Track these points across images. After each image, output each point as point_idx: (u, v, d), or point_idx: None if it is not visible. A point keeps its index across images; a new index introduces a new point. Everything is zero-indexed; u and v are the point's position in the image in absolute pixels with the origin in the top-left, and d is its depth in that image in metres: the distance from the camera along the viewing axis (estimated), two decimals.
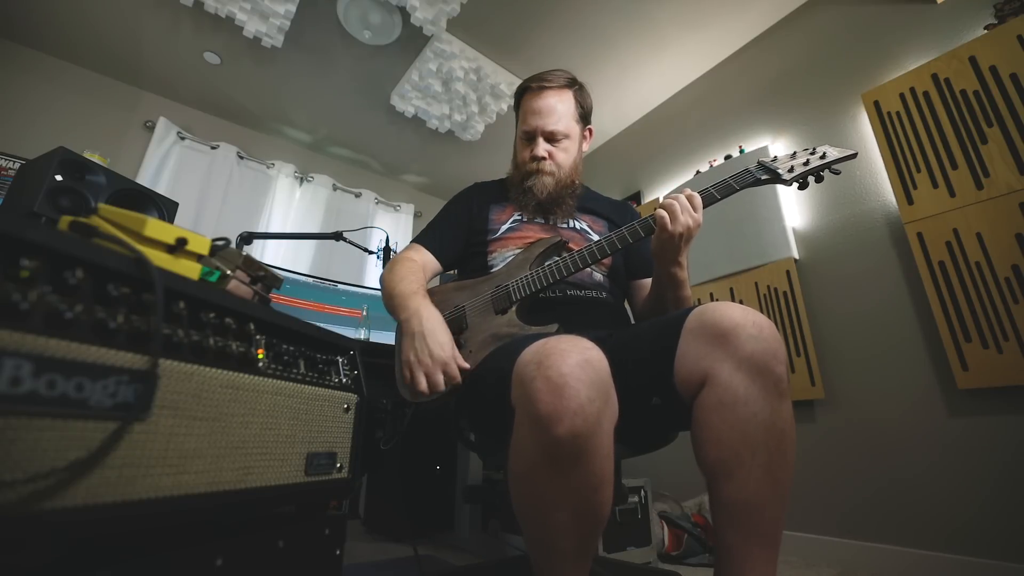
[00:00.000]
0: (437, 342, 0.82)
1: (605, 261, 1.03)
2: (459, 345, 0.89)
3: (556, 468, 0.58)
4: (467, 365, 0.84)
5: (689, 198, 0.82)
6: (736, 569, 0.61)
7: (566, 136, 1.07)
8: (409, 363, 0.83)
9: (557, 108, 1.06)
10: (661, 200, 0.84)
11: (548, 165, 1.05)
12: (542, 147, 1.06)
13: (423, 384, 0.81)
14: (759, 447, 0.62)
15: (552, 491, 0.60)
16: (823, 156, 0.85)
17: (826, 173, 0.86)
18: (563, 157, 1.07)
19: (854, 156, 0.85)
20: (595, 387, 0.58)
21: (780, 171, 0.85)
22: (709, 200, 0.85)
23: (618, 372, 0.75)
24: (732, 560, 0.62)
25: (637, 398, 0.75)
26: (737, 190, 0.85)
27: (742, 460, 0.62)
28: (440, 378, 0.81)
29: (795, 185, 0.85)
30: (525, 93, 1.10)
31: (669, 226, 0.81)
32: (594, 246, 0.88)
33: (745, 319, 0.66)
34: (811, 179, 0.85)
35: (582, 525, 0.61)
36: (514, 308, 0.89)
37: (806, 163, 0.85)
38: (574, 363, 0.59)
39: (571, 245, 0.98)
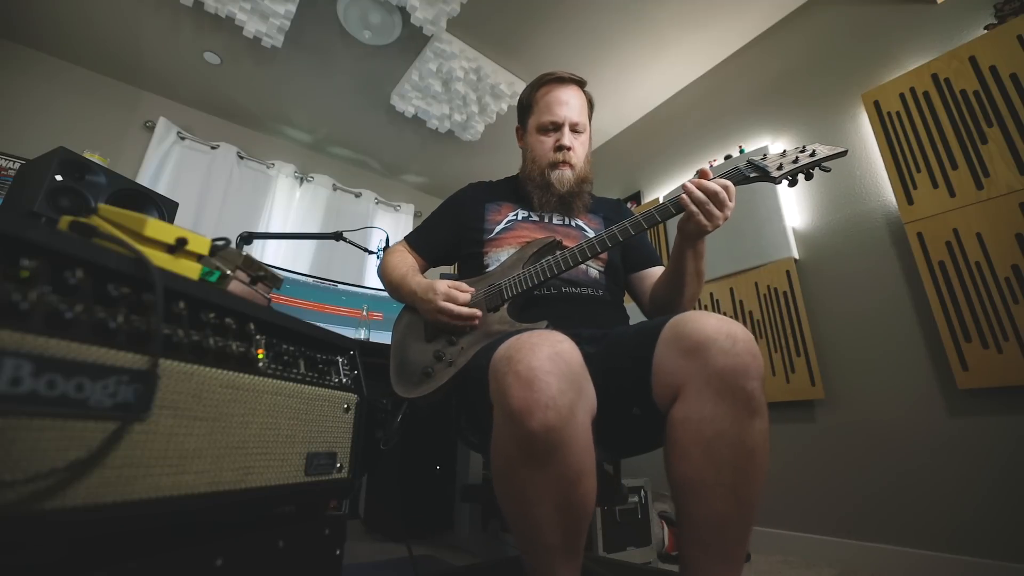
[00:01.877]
0: (433, 290, 0.93)
1: (602, 256, 1.02)
2: (451, 343, 0.90)
3: (533, 462, 0.58)
4: (468, 295, 0.91)
5: (726, 188, 0.80)
6: None
7: (584, 130, 1.09)
8: (436, 319, 0.92)
9: (578, 102, 1.08)
10: (689, 192, 0.81)
11: (572, 156, 1.05)
12: (568, 137, 1.05)
13: (459, 310, 0.88)
14: (725, 466, 0.60)
15: (531, 485, 0.60)
16: (813, 154, 0.84)
17: (817, 171, 0.86)
18: (581, 151, 1.08)
19: (844, 154, 0.85)
20: (566, 379, 0.59)
21: (769, 169, 0.84)
22: None
23: (604, 377, 0.75)
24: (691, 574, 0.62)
25: (618, 405, 0.75)
26: None
27: (706, 479, 0.61)
28: (454, 306, 0.89)
29: (785, 182, 0.85)
30: (545, 85, 1.10)
31: (704, 221, 0.80)
32: (584, 244, 0.88)
33: (718, 332, 0.63)
34: (801, 176, 0.85)
35: (566, 518, 0.60)
36: (505, 306, 0.90)
37: (795, 160, 0.84)
38: (544, 356, 0.59)
39: (566, 243, 0.98)
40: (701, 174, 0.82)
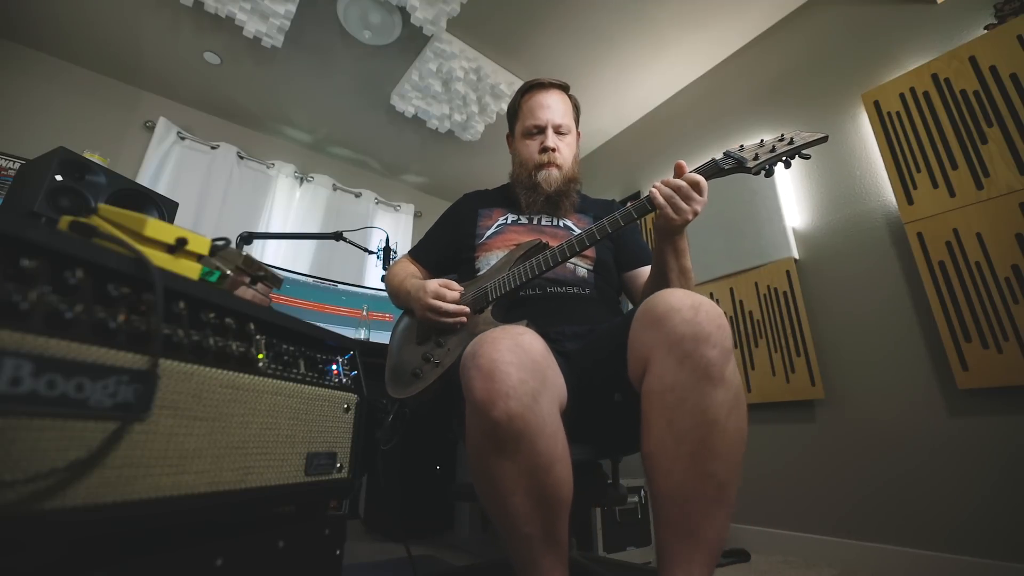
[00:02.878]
0: (423, 288, 0.96)
1: (589, 254, 1.04)
2: (439, 345, 0.92)
3: (501, 451, 0.59)
4: (457, 293, 0.94)
5: (694, 185, 0.80)
6: (663, 568, 0.59)
7: (568, 131, 1.12)
8: (425, 316, 0.94)
9: (561, 105, 1.12)
10: (657, 188, 0.82)
11: (558, 157, 1.08)
12: (552, 138, 1.09)
13: (446, 307, 0.91)
14: (685, 437, 0.59)
15: (502, 475, 0.60)
16: (790, 142, 0.83)
17: (821, 172, 0.85)
18: (567, 152, 1.11)
19: (824, 139, 0.83)
20: (526, 368, 0.60)
21: (745, 159, 0.83)
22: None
23: (590, 371, 0.77)
24: (660, 558, 0.60)
25: (601, 395, 0.76)
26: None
27: (667, 449, 0.60)
28: (442, 303, 0.92)
29: (761, 173, 0.84)
30: (528, 92, 1.14)
31: (673, 215, 0.80)
32: (564, 244, 0.89)
33: (682, 302, 0.64)
34: (780, 166, 0.84)
35: (541, 507, 0.61)
36: (490, 307, 0.91)
37: (772, 150, 0.83)
38: (504, 348, 0.61)
39: (553, 244, 0.98)
40: (677, 168, 0.82)
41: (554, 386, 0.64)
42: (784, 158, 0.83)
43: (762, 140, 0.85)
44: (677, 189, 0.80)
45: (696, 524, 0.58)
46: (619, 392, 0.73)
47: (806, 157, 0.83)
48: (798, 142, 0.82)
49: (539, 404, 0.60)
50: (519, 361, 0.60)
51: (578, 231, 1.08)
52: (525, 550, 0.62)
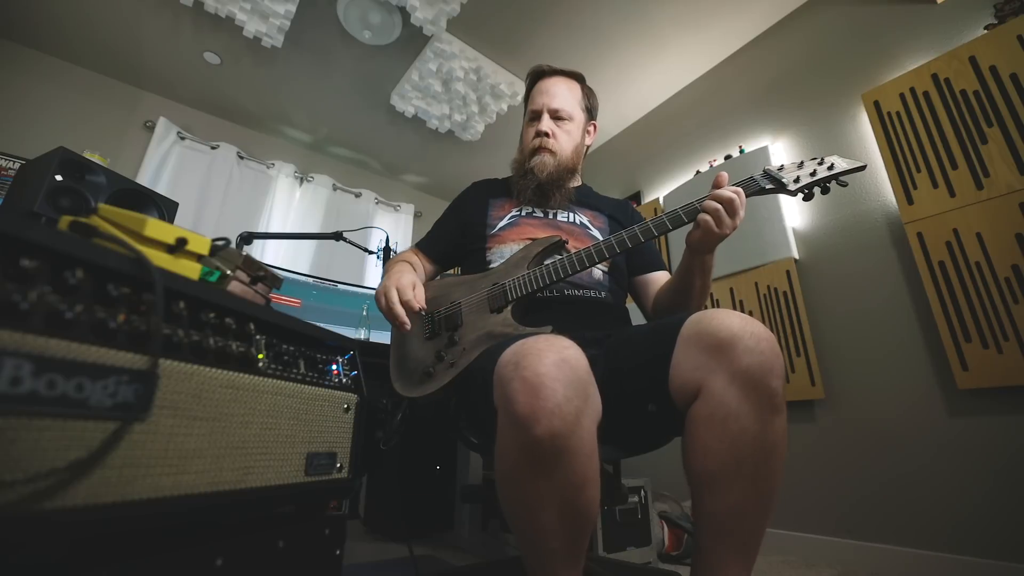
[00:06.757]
0: (398, 276, 0.92)
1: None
2: (453, 342, 0.89)
3: (537, 468, 0.58)
4: (421, 303, 0.88)
5: (738, 195, 0.78)
6: (709, 573, 0.62)
7: (570, 118, 1.09)
8: (377, 298, 0.91)
9: (565, 92, 1.10)
10: (708, 201, 0.80)
11: (551, 143, 1.06)
12: (546, 122, 1.07)
13: (396, 308, 0.86)
14: (746, 461, 0.62)
15: (535, 492, 0.59)
16: (831, 167, 0.81)
17: (833, 184, 0.83)
18: (565, 139, 1.08)
19: (863, 168, 0.82)
20: (572, 386, 0.58)
21: (786, 182, 0.82)
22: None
23: (614, 376, 0.75)
24: (706, 564, 0.63)
25: (633, 403, 0.75)
26: None
27: (727, 473, 0.62)
28: (395, 298, 0.87)
29: (800, 196, 0.82)
30: (537, 77, 1.13)
31: (716, 229, 0.78)
32: (592, 249, 0.87)
33: (743, 330, 0.64)
34: (816, 190, 0.82)
35: (569, 525, 0.60)
36: (509, 307, 0.89)
37: (813, 173, 0.82)
38: (551, 362, 0.58)
39: (572, 240, 0.97)
40: (718, 178, 0.80)
41: (594, 404, 0.63)
42: (823, 183, 0.81)
43: (801, 161, 0.85)
44: (729, 203, 0.77)
45: (751, 538, 0.63)
46: (654, 403, 0.73)
47: (843, 184, 0.82)
48: (838, 168, 0.81)
49: (581, 424, 0.58)
50: (565, 378, 0.58)
51: (594, 230, 1.06)
52: (548, 564, 0.62)
